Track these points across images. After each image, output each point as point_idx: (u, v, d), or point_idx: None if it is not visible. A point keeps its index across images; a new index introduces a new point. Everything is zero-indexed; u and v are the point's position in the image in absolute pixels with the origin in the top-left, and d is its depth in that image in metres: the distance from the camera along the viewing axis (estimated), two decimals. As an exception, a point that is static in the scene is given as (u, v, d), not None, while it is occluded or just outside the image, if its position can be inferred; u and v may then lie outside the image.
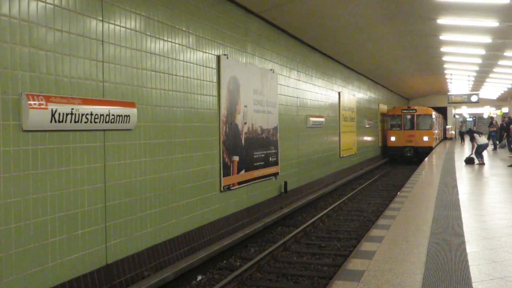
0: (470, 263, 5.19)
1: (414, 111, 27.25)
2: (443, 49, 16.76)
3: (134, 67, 6.25)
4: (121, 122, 5.80)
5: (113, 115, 5.63)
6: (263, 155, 10.33)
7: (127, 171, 6.08)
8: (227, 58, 8.76)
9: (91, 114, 5.28)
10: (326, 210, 11.91)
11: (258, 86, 10.13)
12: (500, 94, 37.37)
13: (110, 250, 5.77)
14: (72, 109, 5.00)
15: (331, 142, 16.50)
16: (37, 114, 4.61)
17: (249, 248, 8.72)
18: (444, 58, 19.50)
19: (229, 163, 8.80)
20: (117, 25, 5.94)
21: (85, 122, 5.21)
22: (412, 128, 26.98)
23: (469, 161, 17.53)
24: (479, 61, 19.27)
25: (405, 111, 27.51)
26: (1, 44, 4.40)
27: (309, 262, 7.85)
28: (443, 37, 14.31)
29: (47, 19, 4.89)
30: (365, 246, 6.10)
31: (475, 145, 17.45)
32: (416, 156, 26.04)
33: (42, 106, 4.65)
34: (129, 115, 5.92)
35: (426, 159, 20.99)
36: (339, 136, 17.65)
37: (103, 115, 5.46)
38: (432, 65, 22.32)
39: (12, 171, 4.49)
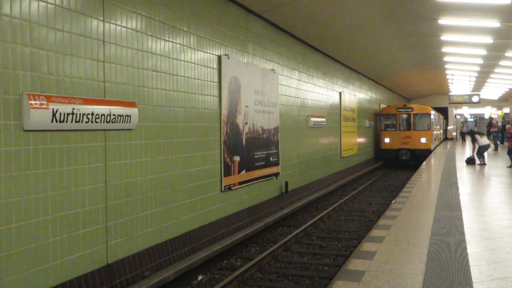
0: (470, 263, 5.18)
1: (410, 109, 24.33)
2: (444, 49, 16.76)
3: (135, 67, 6.25)
4: (122, 122, 5.80)
5: (114, 115, 5.63)
6: (264, 155, 10.33)
7: (128, 171, 6.09)
8: (228, 58, 8.76)
9: (92, 114, 5.29)
10: (327, 210, 11.91)
11: (259, 86, 10.13)
12: (501, 95, 37.35)
13: (111, 250, 5.77)
14: (73, 109, 5.01)
15: (332, 143, 16.49)
16: (38, 114, 4.62)
17: (250, 248, 8.72)
18: (445, 59, 19.50)
19: (230, 163, 8.80)
20: (118, 25, 5.94)
21: (86, 122, 5.22)
22: (408, 128, 24.03)
23: (470, 162, 17.50)
24: (480, 61, 19.26)
25: (400, 109, 24.44)
26: (2, 44, 4.41)
27: (310, 262, 7.85)
28: (444, 37, 14.30)
29: (48, 19, 4.89)
30: (366, 246, 6.10)
31: (477, 146, 17.41)
32: (412, 159, 23.37)
33: (43, 106, 4.66)
34: (130, 115, 5.92)
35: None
36: (340, 136, 17.64)
37: (104, 115, 5.47)
38: (433, 65, 22.32)
39: (13, 171, 4.50)
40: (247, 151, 9.54)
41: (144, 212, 6.41)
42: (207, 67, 8.10)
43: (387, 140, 24.23)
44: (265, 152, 10.42)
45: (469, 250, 5.71)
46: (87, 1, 5.42)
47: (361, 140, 21.63)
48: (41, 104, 4.64)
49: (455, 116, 50.01)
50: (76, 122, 5.06)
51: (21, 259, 4.56)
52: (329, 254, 8.33)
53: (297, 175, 12.74)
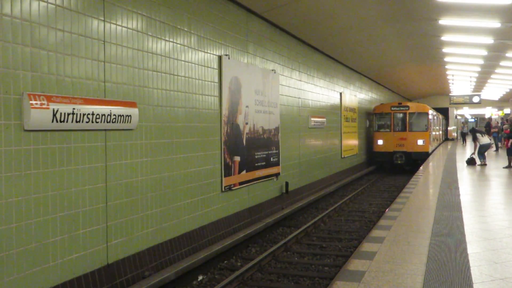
0: (471, 264, 5.18)
1: (406, 108, 21.96)
2: (445, 49, 16.75)
3: (136, 67, 6.26)
4: (123, 122, 5.81)
5: (114, 115, 5.63)
6: (264, 156, 10.33)
7: (128, 171, 6.09)
8: (229, 58, 8.76)
9: (93, 114, 5.29)
10: (327, 210, 11.90)
11: (259, 86, 10.13)
12: (502, 95, 37.34)
13: (111, 250, 5.77)
14: (74, 109, 5.01)
15: (332, 143, 16.49)
16: (39, 113, 4.62)
17: (250, 248, 8.72)
18: (446, 59, 19.50)
19: (230, 163, 8.80)
20: (119, 25, 5.94)
21: (87, 122, 5.22)
22: (403, 129, 21.65)
23: (470, 162, 17.46)
24: (481, 62, 19.26)
25: (395, 108, 22.05)
26: (3, 44, 4.41)
27: (310, 263, 7.85)
28: (445, 37, 14.30)
29: (48, 19, 4.90)
30: (366, 246, 6.10)
31: (478, 145, 17.38)
32: (408, 163, 21.23)
33: (43, 106, 4.66)
34: (130, 115, 5.92)
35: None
36: (341, 136, 17.64)
37: (104, 115, 5.47)
38: (434, 65, 22.32)
39: (13, 171, 4.50)
40: (248, 151, 9.54)
41: (145, 212, 6.42)
42: (208, 67, 8.10)
43: (380, 142, 21.87)
44: (266, 152, 10.42)
45: (469, 251, 5.71)
46: (87, 1, 5.42)
47: (362, 140, 21.64)
48: (41, 104, 4.64)
49: (456, 117, 49.99)
50: (76, 122, 5.07)
51: (21, 259, 4.56)
52: (329, 255, 8.33)
53: (298, 176, 12.74)
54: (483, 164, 16.89)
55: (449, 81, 29.43)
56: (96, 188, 5.54)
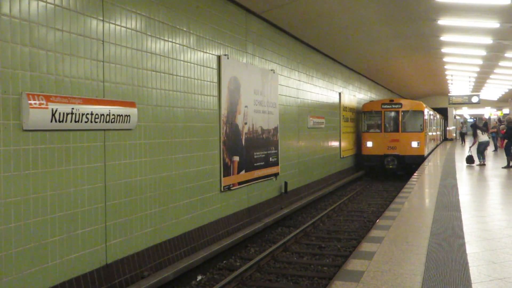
0: (470, 264, 5.18)
1: (398, 106, 19.52)
2: (444, 50, 16.77)
3: (135, 67, 6.25)
4: (122, 122, 5.80)
5: (113, 115, 5.63)
6: (263, 155, 10.33)
7: (127, 171, 6.09)
8: (228, 58, 8.76)
9: (92, 114, 5.29)
10: (326, 210, 11.91)
11: (258, 86, 10.13)
12: (501, 95, 37.39)
13: (110, 250, 5.77)
14: (73, 108, 5.01)
15: (332, 143, 16.50)
16: (38, 113, 4.62)
17: (249, 248, 8.72)
18: (445, 59, 19.51)
19: (229, 163, 8.80)
20: (118, 25, 5.94)
21: (86, 122, 5.22)
22: (396, 129, 19.28)
23: (469, 160, 17.47)
24: (480, 62, 19.28)
25: (386, 106, 19.61)
26: (2, 43, 4.41)
27: (309, 263, 7.85)
28: (444, 38, 14.31)
29: (47, 18, 4.89)
30: (365, 246, 6.10)
31: (477, 142, 17.38)
32: (401, 168, 19.04)
33: (42, 106, 4.66)
34: (129, 115, 5.92)
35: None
36: (340, 136, 17.65)
37: (103, 115, 5.47)
38: (433, 66, 22.33)
39: (12, 171, 4.50)
40: (247, 151, 9.54)
41: (144, 212, 6.41)
42: (207, 67, 8.10)
43: (369, 144, 19.48)
44: (265, 152, 10.42)
45: (468, 251, 5.71)
46: (86, 1, 5.42)
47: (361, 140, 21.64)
48: (40, 104, 4.64)
49: (455, 117, 50.03)
50: (75, 122, 5.06)
51: (20, 259, 4.56)
52: (328, 255, 8.33)
53: (297, 176, 12.74)
54: (482, 164, 16.91)
55: (448, 81, 29.46)
56: (95, 188, 5.54)
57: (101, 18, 5.65)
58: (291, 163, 12.31)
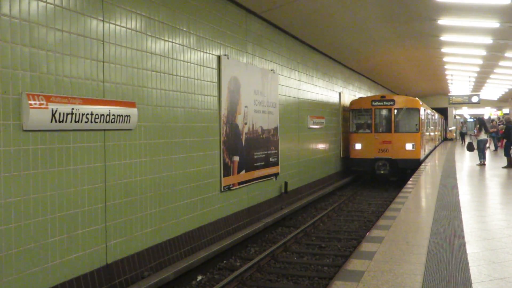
0: (470, 264, 5.18)
1: (391, 103, 17.27)
2: (444, 49, 16.77)
3: (135, 67, 6.25)
4: (122, 122, 5.80)
5: (113, 115, 5.63)
6: (263, 156, 10.33)
7: (127, 171, 6.08)
8: (228, 58, 8.76)
9: (92, 114, 5.29)
10: (326, 210, 11.91)
11: (258, 86, 10.13)
12: (501, 95, 37.38)
13: (110, 250, 5.77)
14: (73, 109, 5.01)
15: (332, 142, 16.50)
16: (38, 113, 4.61)
17: (249, 249, 8.72)
18: (445, 59, 19.51)
19: (229, 163, 8.80)
20: (118, 25, 5.94)
21: (86, 122, 5.22)
22: (388, 130, 17.11)
23: (470, 147, 17.50)
24: (480, 62, 19.28)
25: (377, 103, 17.40)
26: (2, 43, 4.40)
27: (309, 263, 7.85)
28: (444, 37, 14.31)
29: (47, 19, 4.89)
30: (365, 246, 6.10)
31: (480, 135, 17.41)
32: (393, 173, 16.90)
33: (42, 106, 4.66)
34: (129, 115, 5.92)
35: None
36: (340, 136, 17.64)
37: (103, 115, 5.47)
38: (432, 65, 22.33)
39: (12, 171, 4.49)
40: (247, 151, 9.54)
41: (144, 212, 6.41)
42: (207, 67, 8.10)
43: (358, 146, 17.29)
44: (265, 152, 10.42)
45: (468, 251, 5.71)
46: (86, 1, 5.42)
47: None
48: (40, 104, 4.64)
49: (455, 117, 50.06)
50: (75, 122, 5.06)
51: (20, 259, 4.56)
52: (328, 255, 8.33)
53: (297, 175, 12.74)
54: (482, 164, 16.91)
55: (448, 81, 29.46)
56: (95, 188, 5.54)
57: (101, 18, 5.65)
58: (291, 163, 12.31)
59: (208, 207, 8.07)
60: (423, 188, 11.92)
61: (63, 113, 4.89)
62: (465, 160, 20.12)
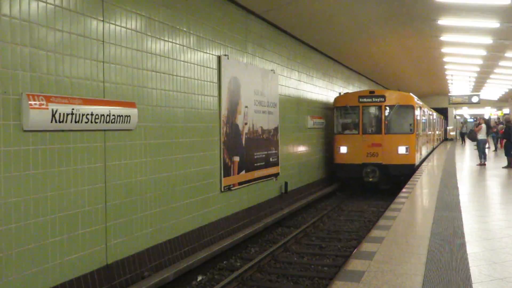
0: (470, 264, 5.18)
1: (381, 99, 14.87)
2: (444, 50, 16.76)
3: (135, 67, 6.25)
4: (122, 122, 5.80)
5: (113, 115, 5.63)
6: (263, 156, 10.33)
7: (127, 171, 6.08)
8: (228, 58, 8.76)
9: (92, 114, 5.28)
10: (326, 210, 11.90)
11: (258, 86, 10.13)
12: (501, 95, 37.38)
13: (110, 250, 5.77)
14: (73, 109, 5.00)
15: (332, 142, 16.47)
16: (38, 114, 4.61)
17: (250, 249, 8.72)
18: (445, 59, 19.51)
19: (229, 164, 8.79)
20: (118, 26, 5.94)
21: (86, 122, 5.21)
22: (378, 131, 14.79)
23: (470, 136, 17.75)
24: (480, 62, 19.27)
25: (365, 99, 15.00)
26: (2, 44, 4.40)
27: (310, 263, 7.85)
28: (444, 38, 14.30)
29: (47, 19, 4.89)
30: (366, 247, 6.09)
31: (482, 128, 17.56)
32: (384, 181, 14.64)
33: (42, 106, 4.65)
34: (129, 115, 5.92)
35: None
36: (340, 136, 17.58)
37: (103, 115, 5.46)
38: (432, 65, 22.32)
39: (12, 171, 4.49)
40: (247, 151, 9.54)
41: (144, 213, 6.41)
42: (207, 67, 8.10)
43: (343, 149, 14.97)
44: (265, 153, 10.42)
45: (468, 251, 5.70)
46: (86, 2, 5.41)
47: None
48: (40, 105, 4.64)
49: (455, 117, 50.05)
50: (75, 122, 5.06)
51: (20, 260, 4.56)
52: (328, 255, 8.33)
53: (297, 176, 12.73)
54: (482, 164, 16.92)
55: (448, 81, 29.46)
56: (95, 188, 5.53)
57: (101, 19, 5.65)
58: (292, 163, 12.31)
59: (208, 207, 8.06)
60: (423, 188, 11.92)
61: (63, 114, 4.89)
62: (465, 160, 20.12)
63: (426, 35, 14.38)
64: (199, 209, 7.78)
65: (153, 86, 6.63)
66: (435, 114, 27.02)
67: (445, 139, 42.56)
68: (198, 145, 7.77)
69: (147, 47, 6.51)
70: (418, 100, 16.71)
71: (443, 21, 11.99)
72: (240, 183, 9.21)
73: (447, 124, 43.73)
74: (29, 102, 4.54)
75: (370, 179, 14.40)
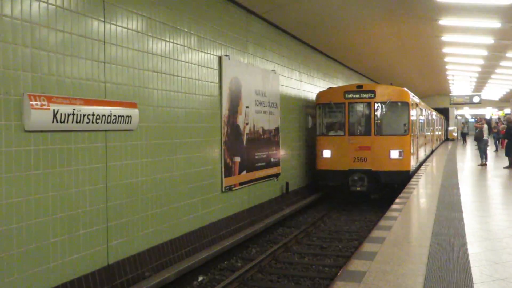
0: (471, 264, 5.17)
1: (370, 95, 12.76)
2: (445, 50, 16.76)
3: (136, 67, 6.25)
4: (123, 123, 5.80)
5: (114, 115, 5.63)
6: (264, 156, 10.33)
7: (128, 172, 6.09)
8: (229, 58, 8.76)
9: (93, 115, 5.29)
10: (327, 210, 11.89)
11: (259, 86, 10.13)
12: (502, 95, 37.34)
13: (112, 251, 5.77)
14: (74, 109, 5.01)
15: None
16: (39, 114, 4.62)
17: (251, 249, 8.72)
18: (446, 59, 19.51)
19: (230, 164, 8.79)
20: (119, 26, 5.94)
21: (87, 123, 5.22)
22: (367, 132, 12.76)
23: (477, 137, 17.99)
24: (481, 62, 19.27)
25: (351, 95, 12.88)
26: (3, 44, 4.41)
27: (310, 263, 7.84)
28: (445, 38, 14.30)
29: (49, 19, 4.90)
30: (367, 247, 6.09)
31: (484, 127, 17.68)
32: (374, 189, 12.69)
33: (44, 107, 4.66)
34: (130, 116, 5.92)
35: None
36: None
37: (104, 115, 5.47)
38: (433, 66, 22.33)
39: (14, 172, 4.50)
40: (248, 151, 9.54)
41: (145, 213, 6.41)
42: (208, 67, 8.10)
43: (327, 153, 12.88)
44: (266, 153, 10.42)
45: (470, 251, 5.70)
46: (87, 2, 5.42)
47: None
48: (42, 105, 4.64)
49: (456, 117, 50.02)
50: (76, 122, 5.07)
51: (22, 260, 4.56)
52: (329, 255, 8.32)
53: (298, 176, 12.73)
54: (484, 164, 16.91)
55: (449, 81, 29.46)
56: (97, 188, 5.54)
57: (102, 19, 5.65)
58: (292, 163, 12.30)
59: (209, 208, 8.06)
60: (424, 189, 11.90)
61: (65, 114, 4.89)
62: (466, 161, 20.11)
63: (428, 35, 14.38)
64: (200, 210, 7.78)
65: (154, 87, 6.63)
66: (434, 113, 25.19)
67: (446, 139, 42.52)
68: (199, 146, 7.77)
69: (148, 47, 6.52)
70: (413, 96, 14.81)
71: (444, 21, 11.99)
72: (241, 184, 9.21)
73: (448, 125, 43.69)
74: (31, 102, 4.55)
75: (358, 188, 12.49)
